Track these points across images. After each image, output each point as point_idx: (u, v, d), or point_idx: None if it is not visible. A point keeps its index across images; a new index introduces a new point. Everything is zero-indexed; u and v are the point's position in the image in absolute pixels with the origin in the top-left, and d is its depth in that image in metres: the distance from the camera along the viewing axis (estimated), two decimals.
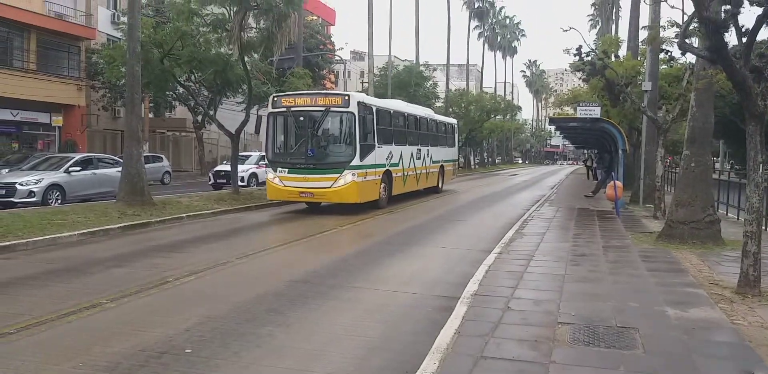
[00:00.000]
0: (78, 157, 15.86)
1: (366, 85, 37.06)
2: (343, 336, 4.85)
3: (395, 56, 41.81)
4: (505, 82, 76.53)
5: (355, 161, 13.12)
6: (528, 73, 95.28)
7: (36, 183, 14.02)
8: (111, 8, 29.35)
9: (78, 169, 15.04)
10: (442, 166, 20.76)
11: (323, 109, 13.23)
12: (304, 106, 13.48)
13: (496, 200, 19.25)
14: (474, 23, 61.15)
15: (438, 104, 40.97)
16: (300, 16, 17.89)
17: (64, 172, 14.79)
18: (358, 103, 13.31)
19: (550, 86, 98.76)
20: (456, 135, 23.73)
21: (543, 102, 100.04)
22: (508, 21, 71.04)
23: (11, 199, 13.55)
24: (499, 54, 72.04)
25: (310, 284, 6.62)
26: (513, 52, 74.88)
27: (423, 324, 5.18)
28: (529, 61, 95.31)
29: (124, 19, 26.09)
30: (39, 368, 3.97)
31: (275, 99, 13.98)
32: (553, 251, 8.47)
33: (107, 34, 28.29)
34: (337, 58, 38.53)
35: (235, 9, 14.27)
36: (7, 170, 16.68)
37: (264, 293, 6.18)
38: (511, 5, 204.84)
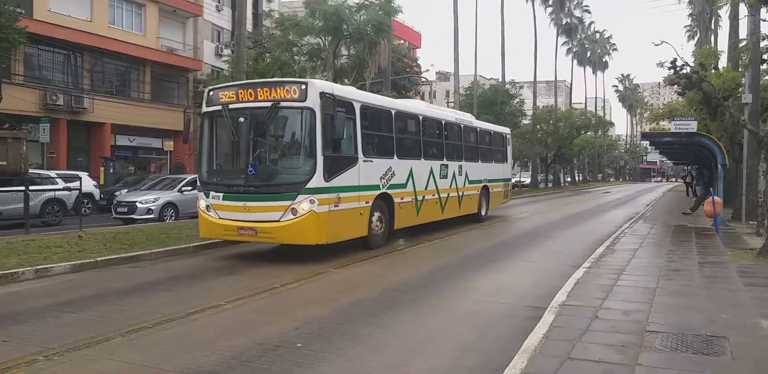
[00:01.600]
0: (189, 177, 17.35)
1: (452, 105, 37.54)
2: (436, 338, 5.22)
3: (481, 75, 42.14)
4: (596, 98, 74.42)
5: (316, 181, 8.57)
6: (621, 88, 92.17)
7: (153, 201, 15.54)
8: (215, 41, 31.83)
9: (189, 188, 16.47)
10: (485, 188, 15.99)
11: (269, 104, 8.81)
12: (245, 102, 9.08)
13: (586, 218, 18.91)
14: (562, 39, 60.29)
15: (525, 121, 40.66)
16: (389, 42, 18.69)
17: (177, 192, 16.27)
18: (322, 94, 8.68)
19: (645, 100, 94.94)
20: (508, 148, 18.72)
21: (637, 117, 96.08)
22: (597, 36, 69.42)
23: (132, 216, 15.11)
24: (588, 69, 70.42)
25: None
26: (604, 66, 72.91)
27: (512, 330, 5.44)
28: (622, 75, 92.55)
29: (227, 51, 28.46)
30: (174, 355, 4.63)
31: (210, 93, 9.56)
32: (646, 266, 8.41)
33: (212, 65, 30.71)
34: (423, 79, 39.35)
35: (329, 39, 15.22)
36: (126, 190, 18.48)
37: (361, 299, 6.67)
38: (601, 19, 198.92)
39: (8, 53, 18.77)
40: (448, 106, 43.65)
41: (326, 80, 15.15)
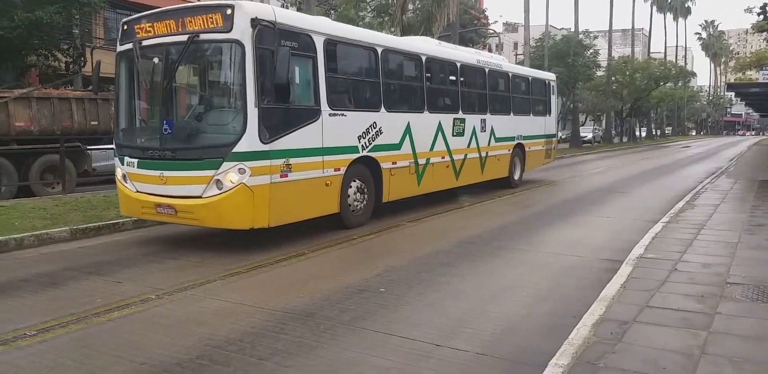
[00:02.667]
0: None
1: (521, 57, 36.34)
2: (512, 287, 5.41)
3: (552, 25, 40.30)
4: (676, 46, 69.91)
5: (247, 143, 6.33)
6: (704, 35, 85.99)
7: None
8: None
9: None
10: (519, 146, 13.25)
11: (186, 38, 6.56)
12: (159, 37, 6.85)
13: (663, 173, 18.26)
14: None
15: (600, 73, 38.93)
16: None
17: None
18: (255, 21, 6.33)
19: (731, 49, 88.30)
20: (552, 97, 15.17)
21: (722, 67, 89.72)
22: None
23: None
24: (669, 16, 65.90)
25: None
26: (686, 12, 68.09)
27: (588, 281, 5.54)
28: (706, 21, 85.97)
29: (293, 9, 28.52)
30: (269, 296, 5.03)
31: (125, 27, 7.33)
32: (727, 221, 8.20)
33: None
34: (490, 31, 38.16)
35: None
36: None
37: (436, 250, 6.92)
38: None
39: (90, 18, 19.62)
40: (516, 59, 42.31)
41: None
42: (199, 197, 6.52)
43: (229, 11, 6.39)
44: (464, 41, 30.28)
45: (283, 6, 30.86)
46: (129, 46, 7.13)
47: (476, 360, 3.67)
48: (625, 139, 49.85)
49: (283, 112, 6.79)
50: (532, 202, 11.49)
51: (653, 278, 5.12)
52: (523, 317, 4.54)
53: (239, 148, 6.33)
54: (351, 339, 4.03)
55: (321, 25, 7.71)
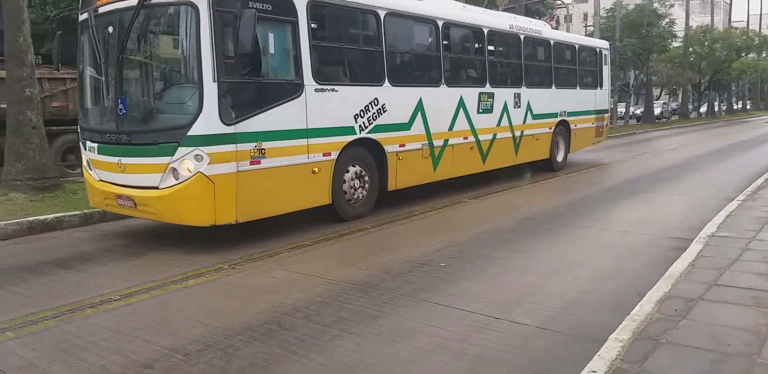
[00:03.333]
0: None
1: (591, 28, 34.84)
2: (575, 264, 5.36)
3: None
4: (760, 14, 64.82)
5: (205, 124, 5.43)
6: None
7: None
8: None
9: None
10: (563, 124, 11.74)
11: (136, 2, 5.67)
12: (114, 2, 6.00)
13: (742, 150, 17.27)
14: None
15: (676, 44, 36.87)
16: None
17: None
18: None
19: None
20: (605, 68, 13.51)
21: None
22: None
23: None
24: None
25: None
26: None
27: (655, 259, 5.41)
28: None
29: None
30: (333, 267, 5.22)
31: None
32: None
33: None
34: (558, 2, 36.74)
35: None
36: None
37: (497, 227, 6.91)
38: None
39: None
40: (585, 31, 40.60)
41: None
42: (156, 188, 5.68)
43: None
44: (530, 13, 29.34)
45: None
46: (85, 15, 6.33)
47: (535, 334, 3.70)
48: (702, 114, 47.26)
49: (253, 88, 5.81)
50: (599, 179, 11.19)
51: (724, 256, 4.95)
52: (585, 293, 4.52)
53: (195, 130, 5.39)
54: (411, 310, 4.15)
55: None
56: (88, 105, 6.78)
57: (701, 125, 33.17)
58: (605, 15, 31.24)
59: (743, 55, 42.63)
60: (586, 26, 46.60)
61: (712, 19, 47.53)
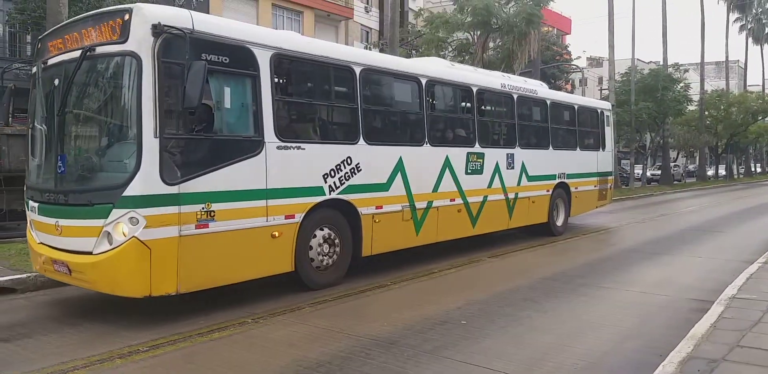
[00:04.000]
0: None
1: (606, 92, 35.64)
2: (596, 324, 5.38)
3: (638, 59, 39.47)
4: None
5: (142, 183, 4.98)
6: None
7: None
8: (364, 41, 33.35)
9: None
10: (562, 186, 11.29)
11: (80, 53, 5.36)
12: (60, 54, 5.75)
13: (762, 213, 17.17)
14: (734, 16, 54.24)
15: (691, 108, 37.43)
16: (538, 33, 18.34)
17: None
18: (157, 28, 5.02)
19: None
20: (607, 129, 13.18)
21: None
22: None
23: None
24: (766, 47, 62.55)
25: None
26: None
27: (675, 320, 5.41)
28: None
29: (375, 50, 29.71)
30: (355, 324, 5.27)
31: (39, 45, 6.39)
32: None
33: None
34: (573, 67, 37.87)
35: (478, 33, 15.41)
36: None
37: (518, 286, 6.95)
38: None
39: None
40: (601, 94, 41.51)
41: None
42: (90, 253, 5.17)
43: (126, 17, 5.10)
44: (546, 77, 30.26)
45: (366, 47, 32.30)
46: (36, 67, 6.16)
47: None
48: (720, 177, 47.14)
49: (203, 144, 5.34)
50: (617, 240, 11.22)
51: (746, 318, 4.94)
52: (607, 353, 4.53)
53: (131, 190, 4.92)
54: (434, 367, 4.19)
55: (267, 36, 6.16)
56: (32, 162, 6.32)
57: (720, 188, 33.05)
58: (620, 79, 32.03)
59: (760, 118, 42.99)
60: (601, 90, 47.67)
61: (728, 83, 48.40)
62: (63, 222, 5.45)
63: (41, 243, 5.87)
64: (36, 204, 5.89)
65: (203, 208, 5.26)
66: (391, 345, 4.65)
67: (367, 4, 33.17)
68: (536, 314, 5.68)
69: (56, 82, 5.69)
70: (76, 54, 5.40)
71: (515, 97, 10.03)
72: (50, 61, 5.89)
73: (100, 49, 5.27)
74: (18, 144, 10.40)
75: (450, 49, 16.61)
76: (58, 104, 5.56)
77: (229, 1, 24.88)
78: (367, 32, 33.91)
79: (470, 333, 5.02)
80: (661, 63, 36.11)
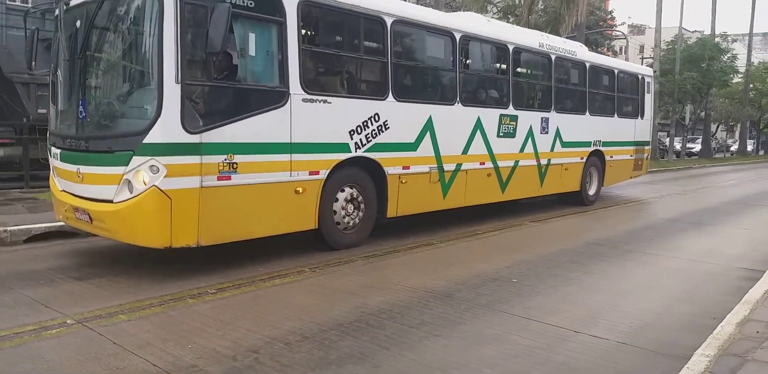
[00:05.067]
0: None
1: (648, 60, 34.57)
2: (646, 287, 5.44)
3: (684, 28, 38.01)
4: None
5: (162, 131, 4.84)
6: None
7: None
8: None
9: None
10: (597, 153, 10.94)
11: None
12: None
13: None
14: None
15: (737, 79, 36.17)
16: None
17: None
18: None
19: None
20: (647, 96, 12.65)
21: None
22: None
23: None
24: None
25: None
26: None
27: (726, 287, 5.44)
28: None
29: None
30: (408, 277, 5.43)
31: None
32: None
33: None
34: (617, 33, 36.68)
35: None
36: None
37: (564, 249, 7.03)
38: None
39: None
40: (643, 62, 40.25)
41: None
42: (111, 201, 5.09)
43: None
44: (589, 43, 29.42)
45: None
46: (58, 9, 5.92)
47: (616, 348, 3.83)
48: (762, 152, 45.88)
49: (227, 93, 5.21)
50: (658, 210, 11.14)
51: None
52: (659, 315, 4.60)
53: (151, 137, 4.80)
54: (491, 319, 4.32)
55: None
56: (55, 107, 6.22)
57: (760, 163, 32.25)
58: (665, 47, 31.01)
59: None
60: (642, 58, 46.20)
61: None
62: (84, 169, 5.38)
63: (63, 190, 5.83)
64: (58, 151, 5.82)
65: (225, 160, 5.12)
66: (447, 298, 4.80)
67: None
68: (585, 275, 5.76)
69: (78, 24, 5.48)
70: None
71: (553, 57, 9.64)
72: (73, 2, 5.67)
73: None
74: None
75: (495, 10, 16.24)
76: (79, 47, 5.40)
77: None
78: None
79: (522, 290, 5.14)
80: (708, 32, 34.78)
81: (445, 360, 3.55)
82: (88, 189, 5.41)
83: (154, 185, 4.80)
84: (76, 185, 5.57)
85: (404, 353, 3.63)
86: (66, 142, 5.69)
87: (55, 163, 6.01)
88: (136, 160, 4.87)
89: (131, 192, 4.95)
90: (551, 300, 4.89)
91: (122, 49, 5.38)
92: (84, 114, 5.42)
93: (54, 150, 5.96)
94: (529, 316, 4.41)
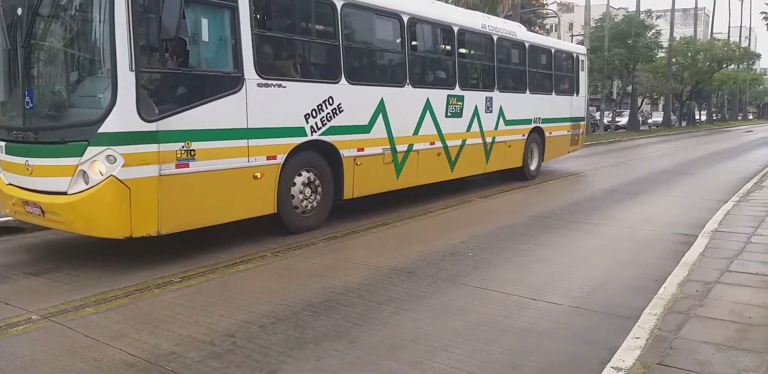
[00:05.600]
0: None
1: (577, 37, 35.68)
2: (592, 255, 5.82)
3: (611, 6, 39.38)
4: (740, 26, 66.93)
5: (119, 119, 4.75)
6: None
7: None
8: None
9: None
10: (537, 130, 11.36)
11: None
12: None
13: (728, 157, 17.99)
14: None
15: (661, 54, 37.93)
16: None
17: None
18: None
19: None
20: (581, 74, 13.24)
21: None
22: None
23: None
24: None
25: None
26: None
27: (665, 251, 5.87)
28: None
29: None
30: (371, 256, 5.58)
31: None
32: None
33: None
34: (548, 12, 37.60)
35: None
36: None
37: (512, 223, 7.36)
38: None
39: None
40: (573, 40, 41.54)
41: None
42: (65, 193, 5.02)
43: None
44: (523, 22, 30.07)
45: None
46: None
47: (572, 312, 4.12)
48: (684, 123, 48.51)
49: (181, 79, 5.18)
50: (596, 182, 11.72)
51: (730, 248, 5.42)
52: (608, 280, 4.94)
53: (107, 127, 4.72)
54: (455, 292, 4.54)
55: None
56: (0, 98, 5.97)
57: (684, 134, 34.13)
58: (594, 25, 32.06)
59: (725, 65, 43.91)
60: (572, 36, 47.58)
61: (695, 31, 48.93)
62: (33, 161, 5.26)
63: (10, 184, 5.70)
64: (2, 144, 5.68)
65: (183, 147, 5.11)
66: (410, 274, 4.98)
67: None
68: (536, 247, 6.08)
69: (19, 11, 5.28)
70: None
71: (495, 38, 9.96)
72: None
73: None
74: None
75: None
76: (22, 36, 5.23)
77: None
78: None
79: (479, 263, 5.39)
80: (633, 9, 36.18)
81: (416, 332, 3.73)
82: (38, 182, 5.28)
83: (111, 175, 4.75)
84: (24, 178, 5.42)
85: (377, 328, 3.79)
86: (12, 134, 5.50)
87: (0, 155, 5.79)
88: (91, 150, 4.79)
89: (87, 184, 4.88)
90: (507, 271, 5.17)
91: (71, 37, 5.22)
92: (31, 104, 5.24)
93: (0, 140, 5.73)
94: (488, 287, 4.65)
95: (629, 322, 3.69)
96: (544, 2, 39.41)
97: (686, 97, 46.56)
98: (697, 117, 52.28)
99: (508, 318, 3.98)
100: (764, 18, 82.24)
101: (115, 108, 4.69)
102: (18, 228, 6.63)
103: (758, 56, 55.81)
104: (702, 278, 4.47)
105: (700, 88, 45.61)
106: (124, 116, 4.72)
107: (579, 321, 3.95)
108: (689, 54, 40.63)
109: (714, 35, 56.52)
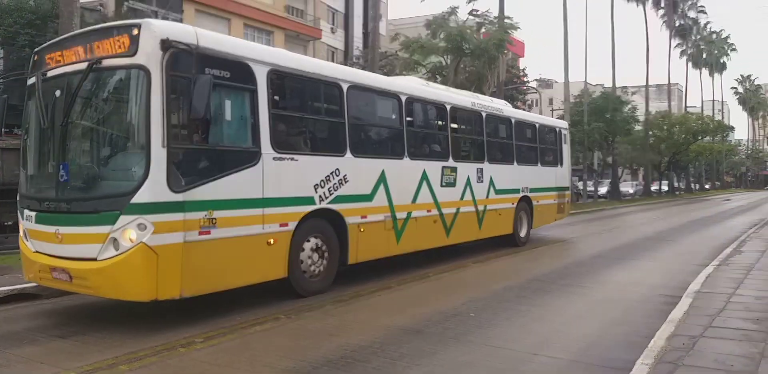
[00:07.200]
0: None
1: (557, 111, 37.57)
2: (585, 315, 6.22)
3: (588, 83, 41.76)
4: (713, 101, 70.46)
5: (151, 191, 5.23)
6: (740, 90, 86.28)
7: None
8: (329, 61, 34.21)
9: None
10: (525, 199, 12.01)
11: (86, 65, 5.60)
12: (62, 66, 5.95)
13: (708, 224, 18.70)
14: (675, 42, 57.85)
15: (638, 127, 39.79)
16: (505, 57, 19.46)
17: None
18: (166, 43, 5.33)
19: None
20: (564, 147, 14.16)
21: (760, 120, 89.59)
22: (714, 36, 65.84)
23: None
24: (704, 71, 66.82)
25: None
26: (721, 68, 68.86)
27: (652, 311, 6.27)
28: (742, 76, 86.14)
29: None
30: (378, 317, 5.91)
31: (36, 57, 6.47)
32: None
33: None
34: (530, 89, 39.74)
35: (451, 57, 16.40)
36: None
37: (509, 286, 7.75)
38: (718, 18, 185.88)
39: None
40: (553, 114, 43.58)
41: None
42: (94, 259, 5.34)
43: (135, 31, 5.38)
44: (506, 98, 31.75)
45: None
46: (35, 78, 6.25)
47: (571, 365, 4.49)
48: (664, 192, 49.87)
49: (206, 154, 5.71)
50: (584, 248, 12.22)
51: (712, 307, 5.85)
52: (601, 337, 5.33)
53: (140, 197, 5.17)
54: (462, 349, 4.88)
55: (263, 53, 6.61)
56: (29, 171, 6.54)
57: (665, 202, 35.17)
58: (573, 101, 33.89)
59: (699, 138, 45.94)
60: (552, 110, 49.87)
61: (669, 105, 51.58)
62: (64, 229, 5.60)
63: (37, 251, 5.97)
64: (33, 213, 6.02)
65: (206, 215, 5.53)
66: (418, 333, 5.33)
67: (333, 25, 34.10)
68: (533, 308, 6.46)
69: (57, 93, 5.88)
70: (81, 66, 5.63)
71: (484, 115, 10.78)
72: (51, 73, 6.07)
73: (107, 62, 5.52)
74: (12, 158, 10.49)
75: (424, 70, 17.58)
76: (61, 115, 5.75)
77: (202, 19, 25.22)
78: (333, 52, 34.74)
79: (482, 323, 5.75)
80: (608, 86, 38.38)
81: None
82: (67, 249, 5.61)
83: (142, 242, 5.13)
84: (53, 245, 5.75)
85: None
86: (43, 205, 5.92)
87: (28, 225, 6.16)
88: (123, 219, 5.20)
89: (117, 250, 5.23)
90: (508, 330, 5.54)
91: (107, 116, 5.84)
92: (66, 177, 5.70)
93: (27, 212, 6.13)
94: (492, 344, 5.01)
95: (625, 372, 4.06)
96: (525, 80, 41.66)
97: (664, 167, 48.22)
98: (676, 185, 53.80)
99: (515, 371, 4.33)
100: (735, 93, 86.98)
101: (147, 180, 5.18)
102: (35, 295, 6.89)
103: (731, 129, 58.64)
104: (688, 333, 4.87)
105: (677, 158, 47.39)
106: (155, 188, 5.20)
107: (579, 373, 4.30)
108: (665, 127, 42.61)
109: (688, 109, 59.55)
